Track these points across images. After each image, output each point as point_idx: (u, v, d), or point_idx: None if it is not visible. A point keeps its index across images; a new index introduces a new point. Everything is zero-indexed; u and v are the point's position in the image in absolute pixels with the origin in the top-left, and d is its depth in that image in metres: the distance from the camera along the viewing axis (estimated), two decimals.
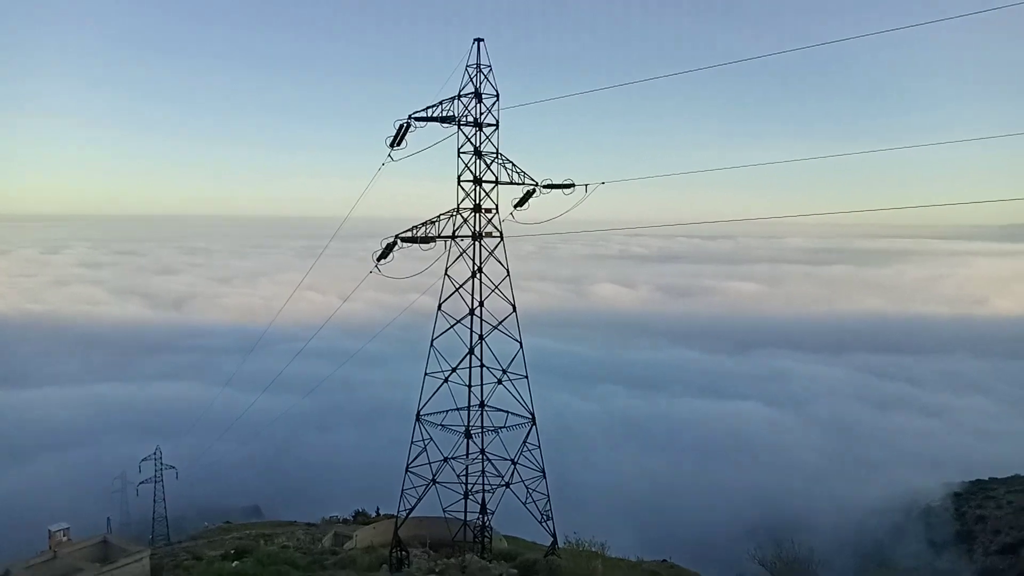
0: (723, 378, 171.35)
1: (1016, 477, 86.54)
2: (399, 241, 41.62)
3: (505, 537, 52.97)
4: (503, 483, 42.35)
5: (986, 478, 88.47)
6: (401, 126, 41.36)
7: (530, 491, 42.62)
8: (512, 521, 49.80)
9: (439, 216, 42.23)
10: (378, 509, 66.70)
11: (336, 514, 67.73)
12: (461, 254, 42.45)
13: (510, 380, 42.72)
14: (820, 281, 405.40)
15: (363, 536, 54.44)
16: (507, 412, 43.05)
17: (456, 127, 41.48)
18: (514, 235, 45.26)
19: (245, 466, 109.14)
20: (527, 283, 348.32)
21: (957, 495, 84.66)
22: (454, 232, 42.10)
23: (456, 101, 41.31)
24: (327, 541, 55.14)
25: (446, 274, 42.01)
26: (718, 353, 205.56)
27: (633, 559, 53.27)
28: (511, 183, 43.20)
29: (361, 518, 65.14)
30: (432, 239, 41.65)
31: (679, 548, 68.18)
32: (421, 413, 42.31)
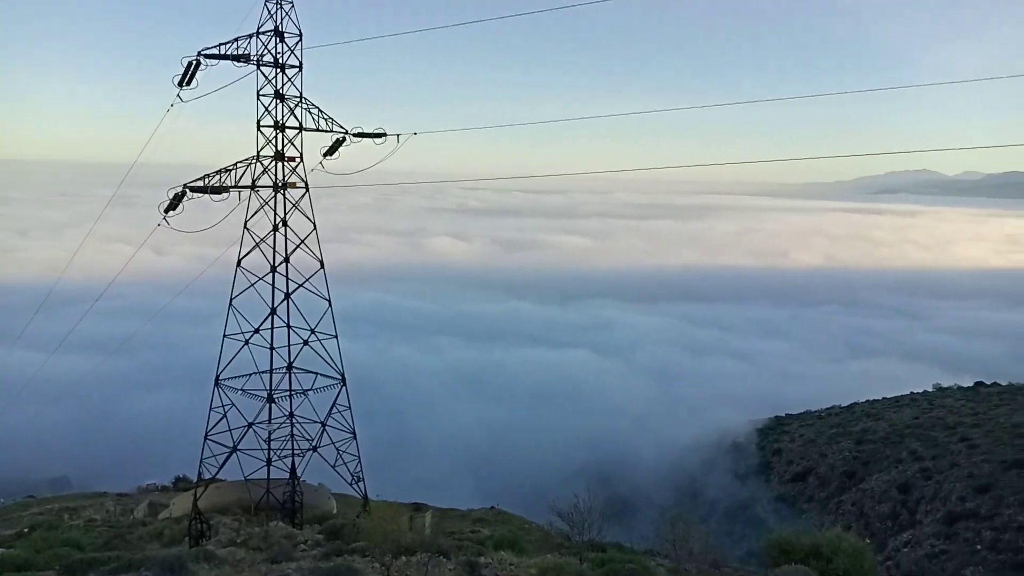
0: (554, 328, 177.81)
1: (807, 412, 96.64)
2: (188, 191, 38.39)
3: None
4: (311, 447, 41.13)
5: (782, 414, 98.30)
6: (189, 64, 37.92)
7: (340, 453, 41.37)
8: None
9: (236, 164, 39.18)
10: (200, 474, 63.28)
11: (154, 481, 63.35)
12: (262, 206, 39.45)
13: (319, 340, 40.71)
14: (644, 235, 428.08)
15: (180, 504, 50.72)
16: (315, 374, 41.18)
17: (255, 67, 38.34)
18: (333, 186, 43.47)
19: (52, 433, 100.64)
20: (362, 236, 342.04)
21: (760, 431, 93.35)
22: (253, 182, 39.19)
23: (254, 39, 38.16)
24: (140, 512, 51.06)
25: (245, 227, 39.05)
26: (549, 304, 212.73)
27: (463, 509, 54.15)
28: (318, 130, 40.57)
29: (182, 484, 61.00)
30: (225, 189, 38.64)
31: (514, 494, 70.82)
32: (220, 377, 39.65)
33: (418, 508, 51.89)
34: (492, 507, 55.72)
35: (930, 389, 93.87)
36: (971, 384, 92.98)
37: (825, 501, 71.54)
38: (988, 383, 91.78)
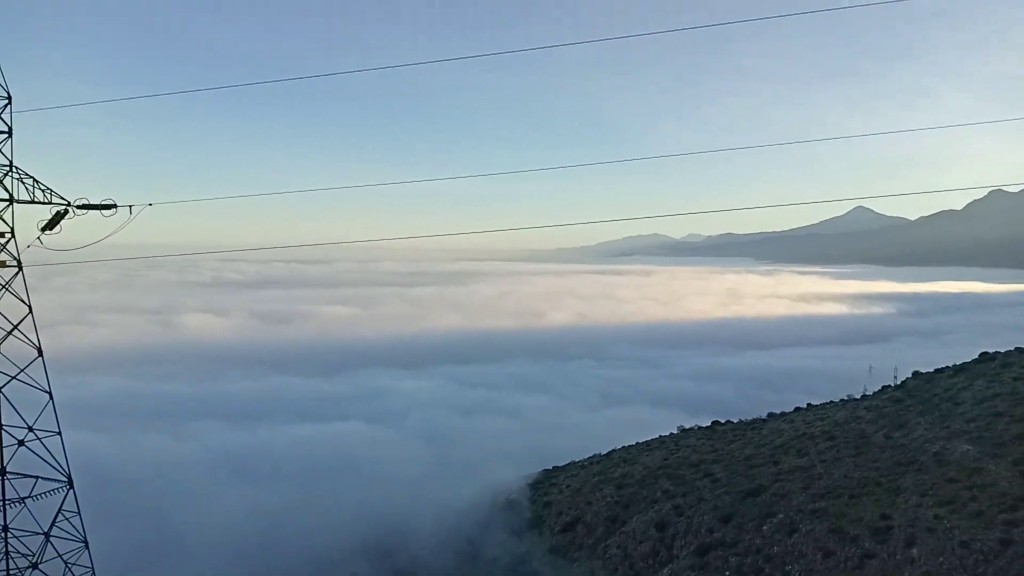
0: (322, 401, 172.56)
1: (571, 463, 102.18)
2: None
3: None
4: (30, 564, 36.68)
5: (550, 467, 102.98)
6: None
7: (69, 567, 37.66)
8: None
9: None
10: None
11: None
12: None
13: (38, 439, 37.07)
14: (410, 301, 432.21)
15: None
16: (36, 477, 37.32)
17: None
18: (57, 263, 39.72)
19: None
20: (103, 316, 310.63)
21: (531, 485, 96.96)
22: None
23: None
24: None
25: None
26: (315, 377, 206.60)
27: None
28: (33, 202, 37.58)
29: None
30: None
31: None
32: None
33: None
34: None
35: (675, 431, 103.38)
36: (709, 423, 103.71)
37: (593, 547, 75.55)
38: (723, 421, 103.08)
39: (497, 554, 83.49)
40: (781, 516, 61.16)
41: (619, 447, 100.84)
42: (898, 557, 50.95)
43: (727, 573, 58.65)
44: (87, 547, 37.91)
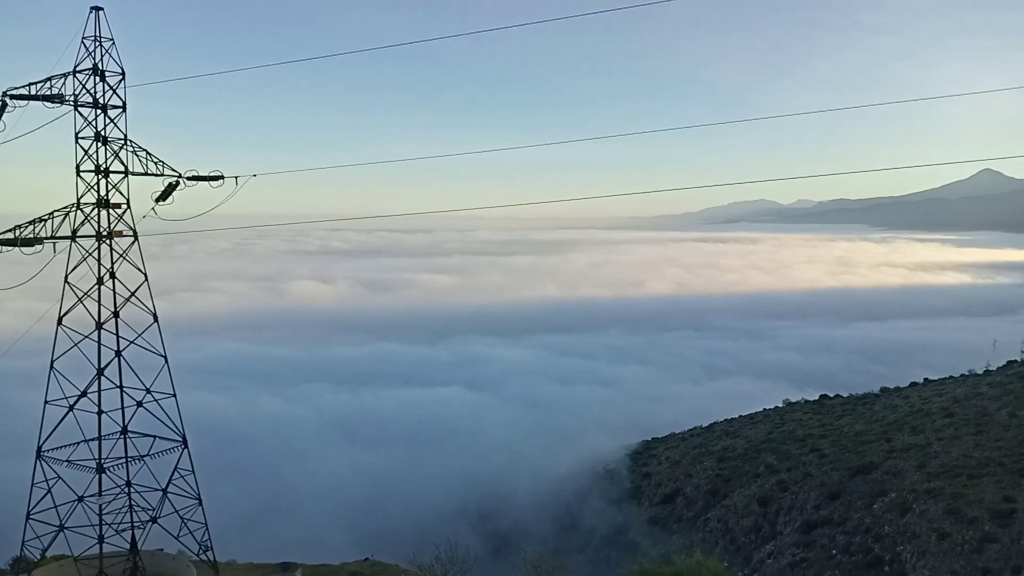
0: (424, 367, 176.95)
1: (671, 435, 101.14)
2: None
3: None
4: (151, 518, 38.32)
5: (649, 438, 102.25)
6: None
7: (185, 522, 39.11)
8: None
9: (52, 213, 36.55)
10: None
11: None
12: (84, 258, 36.97)
13: (155, 400, 38.43)
14: (506, 270, 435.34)
15: None
16: (154, 437, 38.78)
17: (73, 107, 36.18)
18: (168, 232, 41.28)
19: None
20: (219, 283, 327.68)
21: (630, 455, 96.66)
22: (74, 232, 36.74)
23: (71, 78, 35.98)
24: None
25: (66, 281, 36.47)
26: (417, 344, 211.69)
27: (336, 563, 52.69)
28: (147, 174, 38.67)
29: (21, 565, 55.77)
30: (38, 240, 35.81)
31: (394, 541, 69.59)
32: (43, 448, 36.73)
33: (286, 568, 50.12)
34: (367, 558, 54.70)
35: (780, 404, 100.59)
36: (816, 397, 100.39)
37: (693, 520, 74.79)
38: (831, 395, 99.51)
39: (595, 523, 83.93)
40: (893, 495, 58.61)
41: (721, 420, 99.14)
42: (1023, 543, 47.98)
43: (834, 551, 56.84)
44: (200, 504, 39.90)
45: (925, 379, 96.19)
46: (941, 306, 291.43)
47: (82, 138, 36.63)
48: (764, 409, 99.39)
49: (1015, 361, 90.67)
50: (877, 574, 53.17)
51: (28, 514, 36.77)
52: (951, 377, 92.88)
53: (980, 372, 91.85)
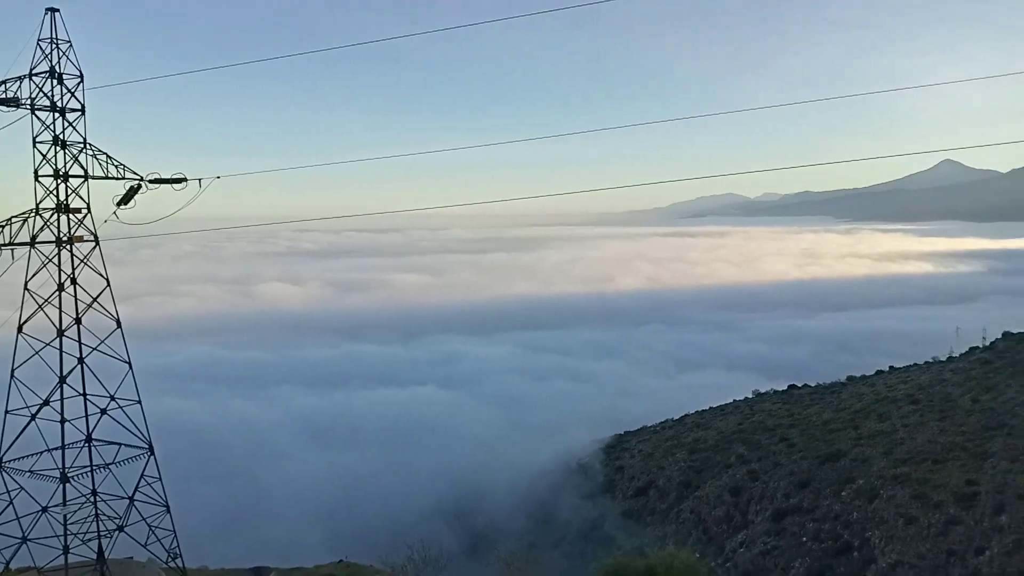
0: (398, 367, 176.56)
1: (643, 428, 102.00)
2: None
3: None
4: (117, 527, 38.12)
5: (623, 432, 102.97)
6: None
7: (152, 529, 38.98)
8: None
9: (10, 219, 36.41)
10: (6, 565, 57.45)
11: None
12: (44, 264, 36.70)
13: (119, 407, 38.28)
14: (479, 268, 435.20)
15: None
16: (119, 444, 38.52)
17: (30, 111, 35.84)
18: (131, 237, 40.60)
19: None
20: (187, 287, 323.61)
21: (604, 449, 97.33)
22: (33, 237, 36.46)
23: (27, 81, 35.59)
24: None
25: (26, 288, 36.22)
26: (391, 344, 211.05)
27: (311, 566, 52.56)
28: (107, 178, 38.36)
29: None
30: None
31: (371, 542, 69.46)
32: (3, 460, 36.47)
33: (259, 572, 50.00)
34: (341, 560, 54.66)
35: (750, 395, 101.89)
36: (785, 387, 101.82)
37: (666, 512, 75.65)
38: (799, 385, 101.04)
39: (570, 518, 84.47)
40: (861, 482, 59.87)
41: (692, 412, 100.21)
42: (985, 524, 49.30)
43: (804, 539, 57.93)
44: (168, 511, 39.58)
45: (890, 367, 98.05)
46: (905, 295, 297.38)
47: (40, 142, 36.31)
48: (734, 400, 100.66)
49: (977, 348, 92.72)
50: (847, 560, 54.32)
51: None
52: (915, 364, 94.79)
53: (944, 359, 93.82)
